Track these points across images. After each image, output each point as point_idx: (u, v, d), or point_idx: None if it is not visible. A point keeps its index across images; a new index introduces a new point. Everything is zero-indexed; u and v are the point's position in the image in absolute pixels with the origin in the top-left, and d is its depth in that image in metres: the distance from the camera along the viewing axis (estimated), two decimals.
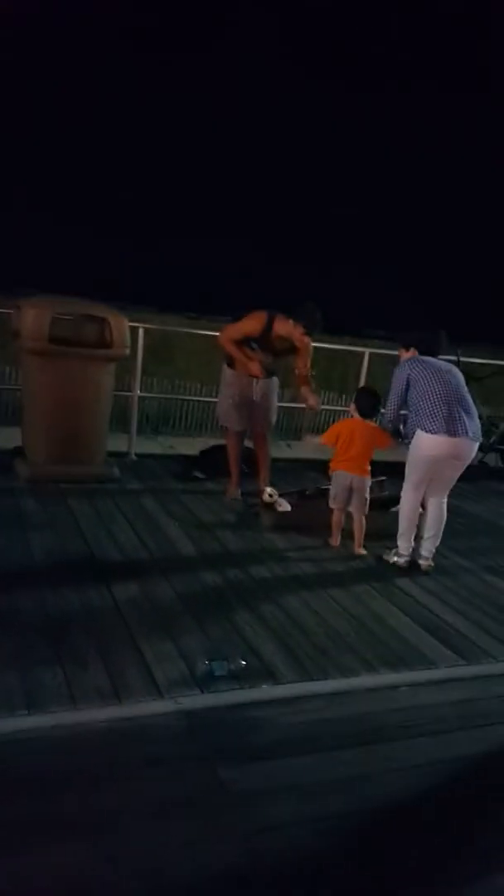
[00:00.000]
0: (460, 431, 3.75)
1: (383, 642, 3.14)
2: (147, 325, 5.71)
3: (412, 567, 4.03)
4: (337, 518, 4.26)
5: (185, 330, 8.90)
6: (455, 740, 2.53)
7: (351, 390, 7.99)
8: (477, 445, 3.90)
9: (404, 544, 4.04)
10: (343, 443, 4.16)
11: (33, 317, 4.45)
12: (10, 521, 3.93)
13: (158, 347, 10.53)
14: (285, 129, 36.30)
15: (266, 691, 2.65)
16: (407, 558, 4.03)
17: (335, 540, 4.26)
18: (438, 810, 2.17)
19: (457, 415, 3.77)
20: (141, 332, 5.44)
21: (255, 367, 4.53)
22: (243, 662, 2.75)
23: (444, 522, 4.06)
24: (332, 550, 4.19)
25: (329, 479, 4.31)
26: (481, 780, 2.36)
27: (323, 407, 10.69)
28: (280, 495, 4.58)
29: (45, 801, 1.98)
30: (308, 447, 5.10)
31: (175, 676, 2.63)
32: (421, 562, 4.05)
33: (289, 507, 4.52)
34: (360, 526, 4.21)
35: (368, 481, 4.20)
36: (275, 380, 4.81)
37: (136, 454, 5.69)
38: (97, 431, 4.85)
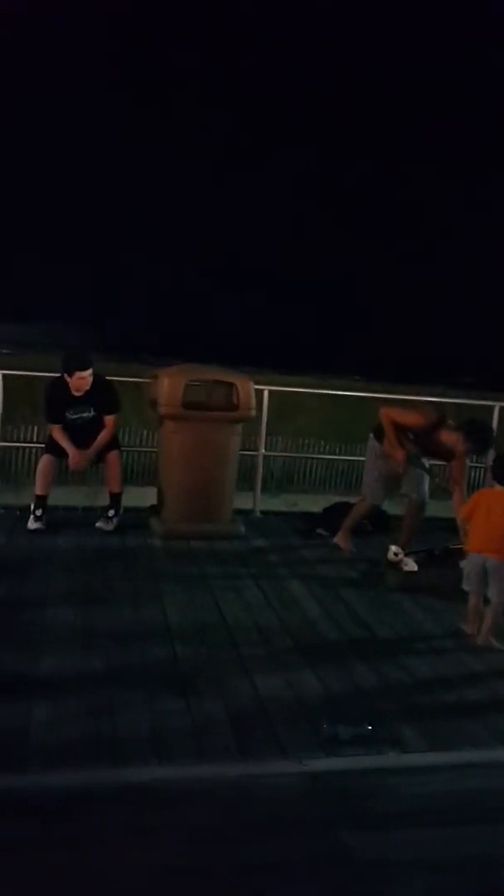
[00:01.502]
0: None
1: None
2: (272, 388, 5.91)
3: None
4: (473, 603, 3.74)
5: (308, 390, 9.08)
6: None
7: None
8: None
9: None
10: (479, 517, 3.70)
11: (168, 385, 4.77)
12: (145, 575, 4.15)
13: (282, 407, 10.80)
14: None
15: (392, 759, 2.59)
16: None
17: (469, 627, 3.75)
18: None
19: None
20: (266, 393, 5.64)
21: (399, 456, 4.55)
22: (369, 727, 2.71)
23: None
24: (463, 612, 4.03)
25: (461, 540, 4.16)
26: None
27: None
28: (406, 554, 4.51)
29: (164, 854, 2.02)
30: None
31: (300, 737, 2.63)
32: None
33: (415, 567, 4.43)
34: (491, 615, 3.64)
35: None
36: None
37: (261, 511, 5.82)
38: (225, 490, 5.05)
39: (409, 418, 4.59)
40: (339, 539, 4.90)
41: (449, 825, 2.26)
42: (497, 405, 6.35)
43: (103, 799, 2.23)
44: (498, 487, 3.70)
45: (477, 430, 4.34)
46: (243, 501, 5.80)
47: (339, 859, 2.06)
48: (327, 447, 10.74)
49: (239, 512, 5.42)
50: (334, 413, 11.73)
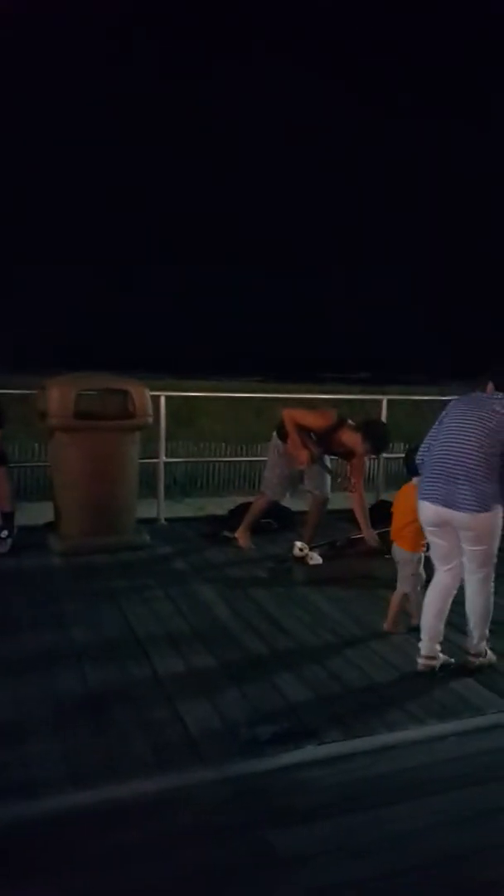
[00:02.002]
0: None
1: (427, 691, 3.09)
2: (168, 393, 5.86)
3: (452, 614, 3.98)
4: (394, 598, 3.71)
5: (205, 394, 9.09)
6: None
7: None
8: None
9: None
10: (395, 509, 3.72)
11: (58, 395, 4.62)
12: (45, 597, 3.99)
13: (180, 412, 10.75)
14: None
15: (311, 752, 2.61)
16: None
17: (388, 624, 3.70)
18: (494, 863, 2.10)
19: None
20: (163, 399, 5.58)
21: (303, 457, 4.66)
22: (286, 724, 2.72)
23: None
24: (369, 601, 4.14)
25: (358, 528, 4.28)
26: None
27: None
28: (311, 548, 4.59)
29: (94, 877, 1.97)
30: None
31: (218, 743, 2.61)
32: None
33: (320, 560, 4.51)
34: (397, 601, 3.67)
35: (411, 555, 3.62)
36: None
37: (166, 518, 5.76)
38: (126, 500, 4.95)
39: (312, 419, 4.71)
40: (240, 536, 4.96)
41: (370, 809, 2.30)
42: (384, 398, 6.61)
43: (19, 831, 2.12)
44: (414, 480, 3.51)
45: (375, 431, 4.63)
46: (147, 510, 5.72)
47: (264, 859, 2.06)
48: (230, 449, 10.81)
49: (143, 521, 5.34)
50: (235, 415, 11.82)
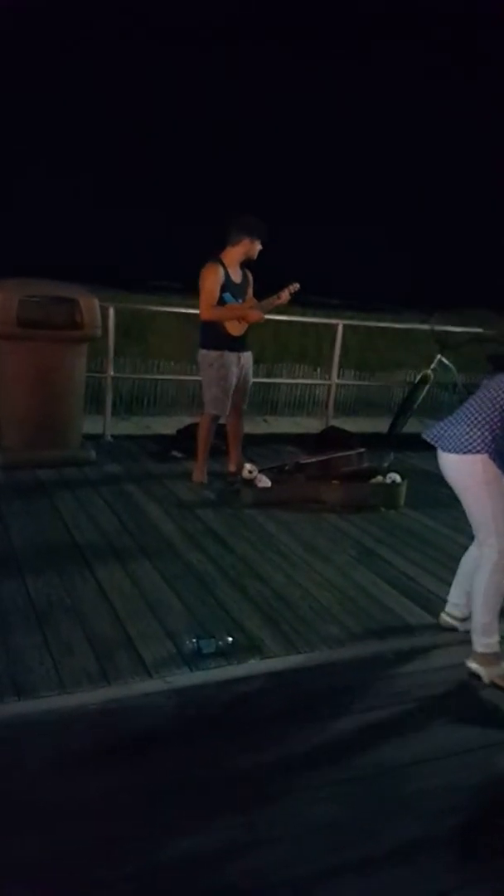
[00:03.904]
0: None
1: (368, 612, 3.18)
2: (117, 305, 5.63)
3: (395, 539, 4.08)
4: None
5: (156, 308, 8.79)
6: (443, 705, 2.58)
7: (326, 363, 7.99)
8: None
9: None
10: None
11: (1, 301, 4.35)
12: None
13: (130, 327, 10.42)
14: None
15: (254, 666, 2.67)
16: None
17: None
18: (428, 774, 2.21)
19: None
20: (112, 311, 5.36)
21: (254, 314, 4.41)
22: (230, 639, 2.76)
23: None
24: (314, 524, 4.20)
25: (308, 453, 4.27)
26: (470, 740, 2.40)
27: (300, 381, 10.72)
28: (259, 471, 4.58)
29: (38, 787, 1.98)
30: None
31: (163, 656, 2.64)
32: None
33: (269, 483, 4.52)
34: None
35: None
36: (251, 353, 4.74)
37: (112, 435, 5.65)
38: (71, 414, 4.80)
39: (212, 282, 4.31)
40: (196, 475, 4.74)
41: (310, 722, 2.38)
42: (340, 323, 6.54)
43: None
44: None
45: (240, 223, 4.38)
46: (93, 426, 5.58)
47: (211, 770, 2.11)
48: (176, 367, 10.59)
49: (88, 437, 5.21)
50: (184, 332, 11.53)
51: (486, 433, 2.70)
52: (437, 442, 2.84)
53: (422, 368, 6.65)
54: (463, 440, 2.73)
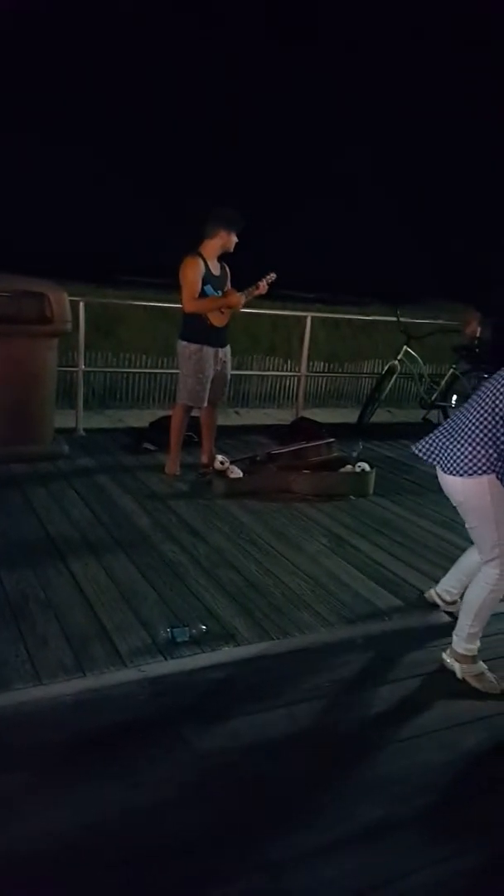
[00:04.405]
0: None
1: (339, 598, 3.26)
2: (88, 299, 5.62)
3: (365, 526, 4.17)
4: None
5: (127, 302, 8.78)
6: (413, 686, 2.66)
7: (295, 355, 8.06)
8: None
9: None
10: None
11: None
12: None
13: (100, 321, 10.37)
14: None
15: (227, 653, 2.73)
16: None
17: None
18: (402, 753, 2.29)
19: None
20: (82, 305, 5.35)
21: (235, 299, 4.46)
22: (204, 627, 2.82)
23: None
24: (286, 514, 4.26)
25: (279, 443, 4.33)
26: (440, 721, 2.49)
27: (270, 373, 10.77)
28: (231, 462, 4.63)
29: (16, 778, 2.02)
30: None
31: (138, 645, 2.68)
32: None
33: (240, 474, 4.57)
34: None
35: None
36: (229, 348, 4.77)
37: (85, 429, 5.65)
38: (43, 409, 4.79)
39: (193, 275, 4.36)
40: (170, 467, 4.79)
41: (283, 707, 2.45)
42: (308, 315, 6.59)
43: None
44: None
45: (216, 216, 4.40)
46: (65, 420, 5.58)
47: (181, 754, 2.17)
48: (148, 361, 10.60)
49: (61, 431, 5.21)
50: (155, 325, 11.52)
51: (492, 451, 2.54)
52: (434, 460, 2.70)
53: (388, 359, 6.76)
54: (468, 461, 2.56)
